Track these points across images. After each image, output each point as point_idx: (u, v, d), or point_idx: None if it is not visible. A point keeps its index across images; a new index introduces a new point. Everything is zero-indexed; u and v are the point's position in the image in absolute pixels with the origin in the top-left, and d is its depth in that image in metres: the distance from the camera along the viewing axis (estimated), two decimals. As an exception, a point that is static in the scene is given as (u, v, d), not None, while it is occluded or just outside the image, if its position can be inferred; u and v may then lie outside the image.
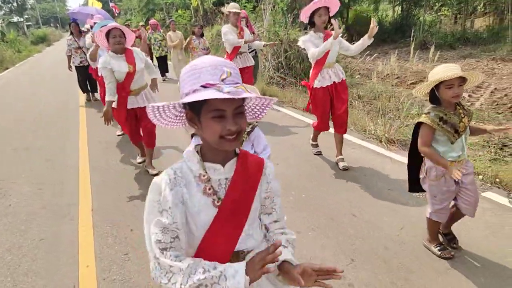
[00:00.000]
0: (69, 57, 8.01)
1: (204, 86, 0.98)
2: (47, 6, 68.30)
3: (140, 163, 4.64)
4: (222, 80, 0.99)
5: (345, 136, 5.18)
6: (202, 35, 8.28)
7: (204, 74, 0.99)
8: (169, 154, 4.97)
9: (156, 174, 3.79)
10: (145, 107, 3.86)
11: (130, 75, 3.90)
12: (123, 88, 3.95)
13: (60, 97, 9.33)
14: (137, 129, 4.30)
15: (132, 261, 2.81)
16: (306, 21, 3.93)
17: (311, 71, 4.17)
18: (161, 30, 10.65)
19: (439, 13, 19.54)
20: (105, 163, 4.81)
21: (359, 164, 4.26)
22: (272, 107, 5.06)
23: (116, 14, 26.73)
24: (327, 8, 3.74)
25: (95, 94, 8.33)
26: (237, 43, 5.65)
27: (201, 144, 1.16)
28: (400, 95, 6.89)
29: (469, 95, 7.19)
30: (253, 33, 6.26)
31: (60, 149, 5.47)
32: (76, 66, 8.05)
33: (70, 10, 8.81)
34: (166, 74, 10.70)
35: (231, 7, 5.74)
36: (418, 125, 2.46)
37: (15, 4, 53.57)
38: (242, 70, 5.72)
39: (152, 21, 10.35)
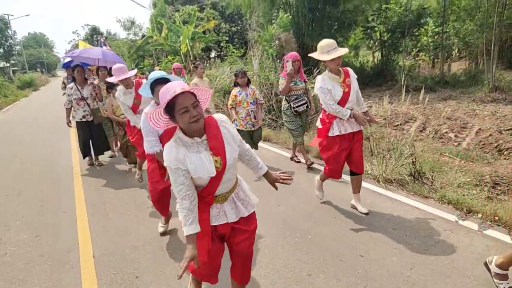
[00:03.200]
0: (69, 110, 6.32)
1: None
2: (33, 52, 69.10)
3: None
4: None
5: (343, 176, 5.29)
6: (248, 83, 5.81)
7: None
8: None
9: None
10: (239, 222, 2.24)
11: (217, 175, 2.03)
12: (205, 195, 2.11)
13: (50, 140, 9.25)
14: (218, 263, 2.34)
15: (140, 309, 2.72)
16: None
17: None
18: (185, 76, 9.44)
19: (416, 58, 20.61)
20: (103, 208, 4.73)
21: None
22: (267, 148, 5.21)
23: None
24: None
25: (100, 156, 6.84)
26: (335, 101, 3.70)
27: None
28: (389, 136, 7.10)
29: (455, 135, 7.46)
30: (305, 81, 5.67)
31: (54, 193, 5.37)
32: (77, 122, 6.42)
33: (70, 53, 6.75)
34: None
35: (326, 49, 3.58)
36: None
37: (1, 50, 54.08)
38: (355, 134, 3.91)
39: (176, 64, 9.02)
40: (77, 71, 6.26)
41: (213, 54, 25.62)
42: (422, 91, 11.17)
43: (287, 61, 5.39)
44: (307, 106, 5.65)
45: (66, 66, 9.67)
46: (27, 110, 17.65)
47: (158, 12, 25.27)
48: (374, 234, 3.61)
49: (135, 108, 4.66)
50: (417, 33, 18.69)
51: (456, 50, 19.65)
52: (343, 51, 3.53)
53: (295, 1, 15.99)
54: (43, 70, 66.93)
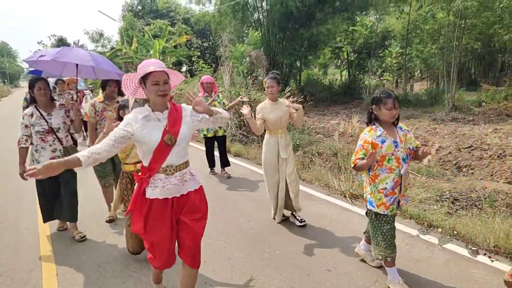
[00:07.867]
0: (24, 151, 3.85)
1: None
2: (-5, 62, 66.52)
3: None
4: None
5: (311, 191, 5.41)
6: (397, 121, 2.95)
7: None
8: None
9: None
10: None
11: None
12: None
13: (11, 153, 8.86)
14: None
15: (106, 329, 2.65)
16: None
17: None
18: (219, 94, 6.64)
19: (381, 78, 21.47)
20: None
21: (327, 219, 4.42)
22: (237, 164, 5.25)
23: None
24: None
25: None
26: None
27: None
28: (356, 153, 7.34)
29: (417, 153, 7.80)
30: None
31: (15, 210, 5.15)
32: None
33: (39, 54, 4.19)
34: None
35: None
36: None
37: (-41, 58, 51.76)
38: None
39: (206, 77, 6.23)
40: (38, 88, 3.72)
41: (184, 69, 25.62)
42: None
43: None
44: None
45: (34, 74, 7.11)
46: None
47: (127, 25, 25.06)
48: (341, 248, 3.71)
49: (165, 151, 2.28)
50: (381, 54, 19.55)
51: (418, 71, 20.64)
52: None
53: (266, 20, 16.36)
54: (5, 80, 64.45)
